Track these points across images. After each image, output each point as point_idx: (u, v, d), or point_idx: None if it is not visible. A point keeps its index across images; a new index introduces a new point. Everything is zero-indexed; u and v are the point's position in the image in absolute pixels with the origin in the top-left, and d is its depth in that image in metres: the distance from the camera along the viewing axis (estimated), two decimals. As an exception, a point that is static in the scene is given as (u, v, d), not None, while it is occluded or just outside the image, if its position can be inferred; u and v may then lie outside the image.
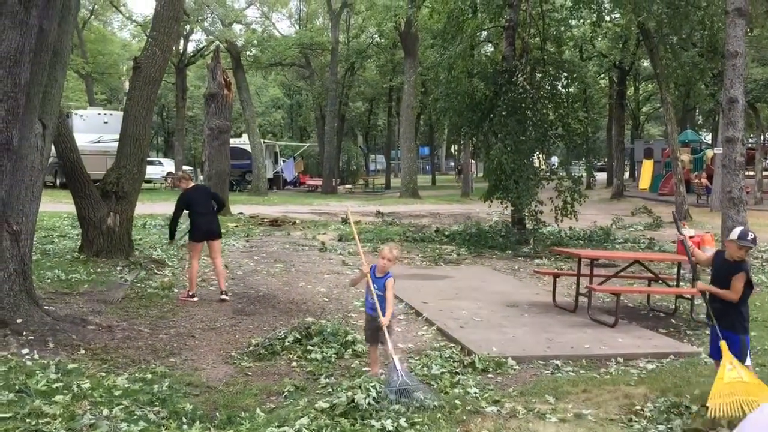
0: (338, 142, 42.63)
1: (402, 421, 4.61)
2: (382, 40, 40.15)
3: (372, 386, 4.94)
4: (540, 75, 16.18)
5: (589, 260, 8.98)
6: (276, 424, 4.57)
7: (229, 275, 10.13)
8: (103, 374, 5.54)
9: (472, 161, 39.33)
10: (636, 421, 4.89)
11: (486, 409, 4.95)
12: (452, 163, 68.51)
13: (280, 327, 7.31)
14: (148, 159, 14.23)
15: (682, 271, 9.67)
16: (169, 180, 36.55)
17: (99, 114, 31.64)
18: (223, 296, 8.80)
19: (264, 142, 38.31)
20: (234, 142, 32.83)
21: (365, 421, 4.61)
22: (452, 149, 71.92)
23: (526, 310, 8.63)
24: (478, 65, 17.44)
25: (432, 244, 14.93)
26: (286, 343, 6.57)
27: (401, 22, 30.78)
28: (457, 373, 5.93)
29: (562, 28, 17.05)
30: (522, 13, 15.84)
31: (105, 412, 4.62)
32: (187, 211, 8.96)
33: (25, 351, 5.98)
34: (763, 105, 30.72)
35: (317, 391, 5.42)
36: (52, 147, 8.56)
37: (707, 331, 7.45)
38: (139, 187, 11.69)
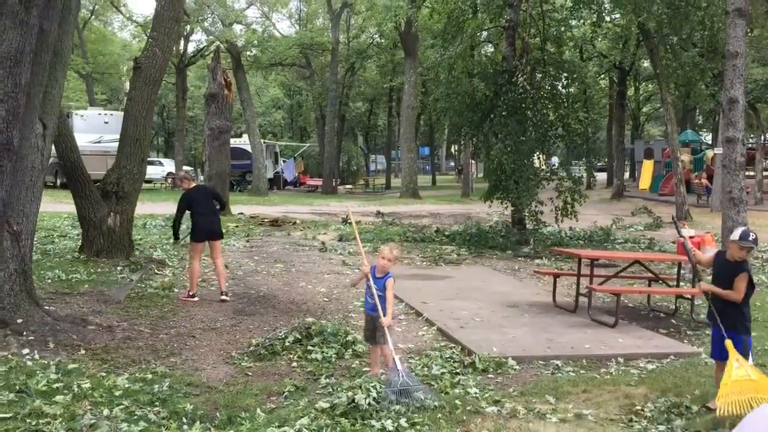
0: (338, 142, 42.65)
1: (402, 422, 4.61)
2: (383, 41, 40.16)
3: (372, 386, 4.94)
4: (540, 75, 16.18)
5: (590, 260, 8.98)
6: (276, 424, 4.57)
7: (229, 275, 10.13)
8: (104, 374, 5.54)
9: (473, 161, 39.34)
10: (636, 422, 4.89)
11: (486, 410, 4.96)
12: (452, 164, 68.51)
13: (280, 327, 7.31)
14: (148, 159, 14.23)
15: (682, 272, 9.67)
16: (170, 180, 36.60)
17: (99, 114, 31.66)
18: (224, 297, 8.81)
19: (264, 143, 38.33)
20: (234, 142, 32.83)
21: (365, 422, 4.61)
22: (452, 149, 71.93)
23: (527, 310, 8.63)
24: (479, 65, 17.44)
25: (432, 244, 14.93)
26: (287, 344, 6.57)
27: (401, 22, 30.78)
28: (457, 374, 5.93)
29: (563, 29, 17.06)
30: (522, 13, 15.84)
31: (105, 412, 4.62)
32: (189, 212, 8.97)
33: (26, 351, 5.98)
34: (763, 105, 30.73)
35: (317, 391, 5.42)
36: (53, 147, 8.56)
37: (707, 332, 7.46)
38: (139, 188, 11.69)
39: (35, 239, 8.83)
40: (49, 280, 9.34)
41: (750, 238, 5.04)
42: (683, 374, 5.98)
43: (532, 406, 5.05)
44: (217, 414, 4.91)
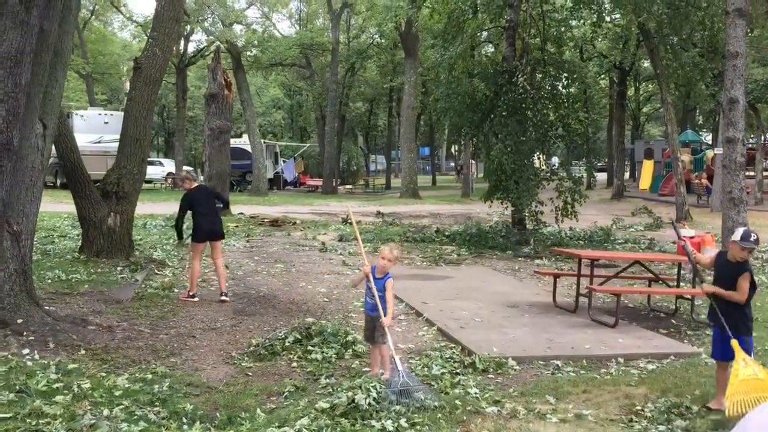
0: (338, 142, 42.65)
1: (402, 422, 4.61)
2: (383, 41, 40.16)
3: (372, 386, 4.94)
4: (540, 75, 16.18)
5: (590, 261, 8.98)
6: (276, 424, 4.57)
7: (229, 275, 10.13)
8: (104, 374, 5.54)
9: (473, 162, 39.34)
10: (636, 422, 4.89)
11: (486, 410, 4.96)
12: (452, 164, 68.50)
13: (280, 327, 7.30)
14: (148, 159, 14.23)
15: (682, 272, 9.67)
16: (170, 180, 36.61)
17: (99, 114, 31.66)
18: (223, 297, 8.80)
19: (264, 143, 38.33)
20: (234, 142, 32.83)
21: (365, 422, 4.61)
22: (452, 150, 71.93)
23: (527, 310, 8.63)
24: (479, 66, 17.44)
25: (432, 244, 14.93)
26: (287, 344, 6.57)
27: (402, 22, 30.78)
28: (457, 374, 5.93)
29: (563, 29, 17.06)
30: (522, 13, 15.84)
31: (105, 412, 4.62)
32: (191, 212, 8.97)
33: (26, 351, 5.98)
34: (763, 105, 30.72)
35: (317, 392, 5.41)
36: (53, 147, 8.56)
37: (708, 332, 7.46)
38: (139, 188, 11.69)
39: (35, 239, 8.83)
40: (49, 281, 9.35)
41: (751, 239, 5.04)
42: (683, 374, 5.98)
43: (532, 407, 5.05)
44: (217, 414, 4.91)
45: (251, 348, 6.61)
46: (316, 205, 27.45)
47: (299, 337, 6.67)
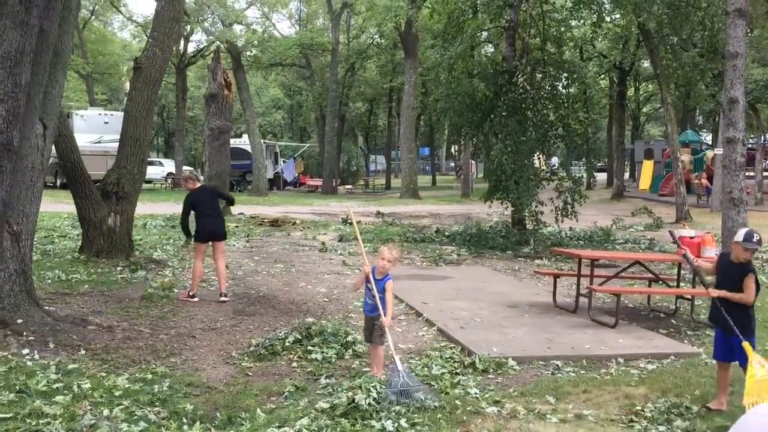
0: (338, 142, 42.67)
1: (402, 422, 4.61)
2: (383, 41, 40.19)
3: (372, 387, 4.94)
4: (540, 75, 16.18)
5: (590, 261, 8.97)
6: (276, 424, 4.57)
7: (229, 275, 10.13)
8: (104, 374, 5.54)
9: (473, 162, 39.34)
10: (636, 422, 4.89)
11: (486, 410, 4.96)
12: (452, 164, 68.52)
13: (280, 327, 7.30)
14: (148, 159, 14.23)
15: (682, 272, 9.67)
16: (170, 180, 36.63)
17: (99, 114, 31.66)
18: (223, 298, 8.80)
19: (264, 143, 38.34)
20: (234, 142, 32.84)
21: (366, 422, 4.61)
22: (452, 150, 71.94)
23: (527, 310, 8.63)
24: (479, 66, 17.44)
25: (432, 244, 14.93)
26: (287, 344, 6.57)
27: (401, 22, 30.79)
28: (457, 374, 5.93)
29: (563, 29, 17.05)
30: (522, 13, 15.84)
31: (105, 412, 4.62)
32: (193, 212, 8.97)
33: (26, 351, 5.98)
34: (763, 106, 30.72)
35: (318, 392, 5.42)
36: (53, 147, 8.56)
37: (708, 332, 7.47)
38: (139, 188, 11.69)
39: (35, 239, 8.84)
40: (49, 281, 9.35)
41: (754, 239, 5.01)
42: (683, 374, 5.97)
43: (533, 407, 5.05)
44: (217, 414, 4.91)
45: (251, 348, 6.61)
46: (316, 205, 27.46)
47: (299, 337, 6.67)
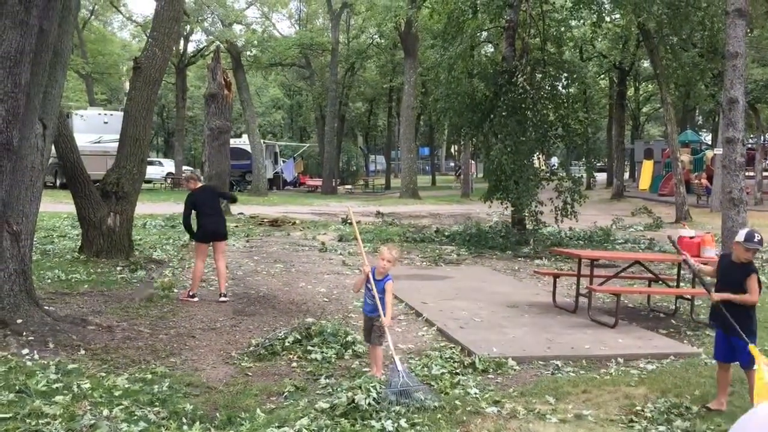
0: (338, 142, 42.67)
1: (402, 422, 4.61)
2: (382, 41, 40.19)
3: (372, 387, 4.94)
4: (540, 75, 16.18)
5: (589, 261, 8.97)
6: (276, 424, 4.57)
7: (229, 275, 10.12)
8: (103, 374, 5.54)
9: (472, 162, 39.34)
10: (636, 422, 4.89)
11: (486, 410, 4.95)
12: (452, 164, 68.54)
13: (280, 327, 7.30)
14: (148, 159, 14.23)
15: (682, 272, 9.67)
16: (169, 180, 36.63)
17: (99, 114, 31.66)
18: (223, 298, 8.80)
19: (264, 143, 38.34)
20: (234, 142, 32.83)
21: (365, 422, 4.61)
22: (452, 150, 71.95)
23: (527, 310, 8.63)
24: (479, 66, 17.44)
25: (432, 244, 14.93)
26: (287, 344, 6.57)
27: (401, 22, 30.79)
28: (457, 374, 5.93)
29: (563, 29, 17.05)
30: (522, 13, 15.84)
31: (105, 412, 4.62)
32: (195, 212, 8.97)
33: (25, 351, 5.98)
34: (763, 106, 30.73)
35: (317, 392, 5.41)
36: (53, 147, 8.56)
37: (707, 332, 7.47)
38: (139, 188, 11.69)
39: (35, 239, 8.83)
40: (49, 281, 9.35)
41: (755, 240, 4.99)
42: (683, 375, 5.97)
43: (532, 407, 5.05)
44: (217, 414, 4.91)
45: (251, 348, 6.61)
46: (316, 205, 27.46)
47: (299, 337, 6.67)
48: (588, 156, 18.75)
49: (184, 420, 4.66)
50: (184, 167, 37.60)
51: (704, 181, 27.14)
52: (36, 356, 5.88)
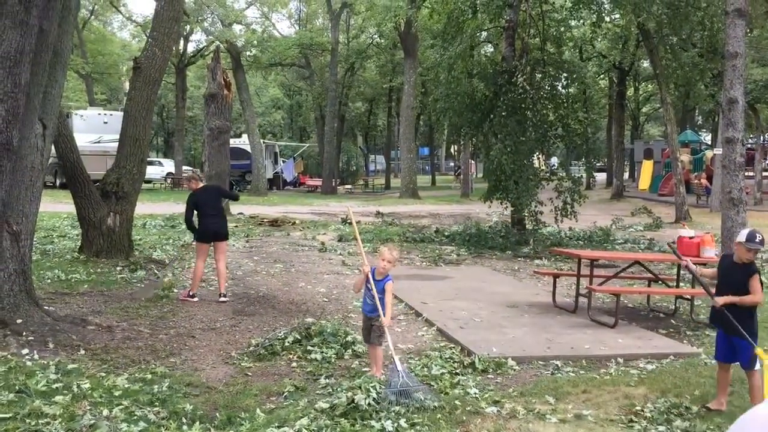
0: (338, 142, 42.66)
1: (402, 422, 4.61)
2: (382, 41, 40.18)
3: (372, 387, 4.94)
4: (540, 75, 16.18)
5: (589, 261, 8.97)
6: (276, 424, 4.57)
7: (229, 275, 10.12)
8: (103, 374, 5.54)
9: (472, 162, 39.33)
10: (636, 422, 4.89)
11: (486, 410, 4.96)
12: (452, 164, 68.54)
13: (280, 327, 7.30)
14: (147, 159, 14.23)
15: (681, 272, 9.67)
16: (169, 180, 36.63)
17: (99, 114, 31.67)
18: (222, 298, 8.80)
19: (264, 143, 38.34)
20: (234, 142, 32.84)
21: (365, 422, 4.61)
22: (452, 150, 71.96)
23: (526, 310, 8.63)
24: (478, 66, 17.45)
25: (432, 244, 14.93)
26: (286, 344, 6.57)
27: (401, 22, 30.79)
28: (457, 374, 5.93)
29: (562, 29, 17.06)
30: (522, 13, 15.84)
31: (105, 412, 4.62)
32: (196, 212, 8.97)
33: (25, 351, 5.98)
34: (762, 106, 30.75)
35: (317, 392, 5.41)
36: (52, 147, 8.56)
37: (707, 332, 7.47)
38: (139, 188, 11.68)
39: (35, 239, 8.83)
40: (49, 281, 9.34)
41: (757, 240, 4.97)
42: (683, 375, 5.98)
43: (532, 407, 5.05)
44: (217, 414, 4.91)
45: (251, 348, 6.61)
46: (316, 205, 27.45)
47: (299, 337, 6.67)
48: (588, 156, 18.77)
49: (184, 420, 4.67)
50: (184, 167, 37.60)
51: (704, 181, 27.15)
52: (36, 356, 5.88)
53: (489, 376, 6.01)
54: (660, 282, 9.26)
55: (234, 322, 7.76)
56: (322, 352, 6.42)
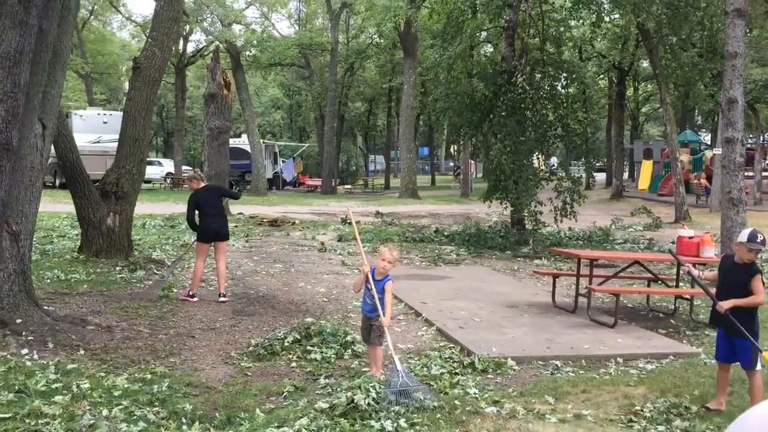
0: (338, 142, 42.65)
1: (402, 422, 4.61)
2: (382, 41, 40.17)
3: (372, 387, 4.94)
4: (539, 75, 16.19)
5: (589, 261, 8.98)
6: (275, 424, 4.57)
7: (228, 275, 10.12)
8: (103, 374, 5.53)
9: (472, 162, 39.34)
10: (635, 422, 4.89)
11: (485, 410, 4.96)
12: (452, 164, 68.55)
13: (279, 327, 7.30)
14: (147, 159, 14.23)
15: (681, 272, 9.66)
16: (168, 180, 36.63)
17: (98, 114, 31.66)
18: (222, 298, 8.80)
19: (263, 143, 38.34)
20: (233, 142, 32.84)
21: (365, 422, 4.61)
22: (451, 150, 71.96)
23: (526, 310, 8.63)
24: (478, 66, 17.45)
25: (431, 244, 14.93)
26: (286, 344, 6.56)
27: (401, 22, 30.79)
28: (456, 374, 5.93)
29: (562, 29, 17.07)
30: (521, 13, 15.84)
31: (104, 412, 4.62)
32: (197, 212, 8.97)
33: (25, 351, 5.98)
34: (762, 106, 30.76)
35: (317, 392, 5.42)
36: (52, 147, 8.56)
37: (707, 332, 7.48)
38: (138, 188, 11.68)
39: (34, 239, 8.82)
40: (48, 280, 9.34)
41: (758, 240, 4.94)
42: (682, 374, 5.98)
43: (532, 407, 5.05)
44: (216, 414, 4.91)
45: (250, 348, 6.61)
46: (315, 205, 27.45)
47: (298, 337, 6.67)
48: (587, 156, 18.76)
49: (184, 420, 4.66)
50: (184, 167, 37.60)
51: (703, 181, 27.15)
52: (35, 356, 5.88)
53: (489, 376, 6.01)
54: (659, 282, 9.26)
55: (234, 322, 7.76)
56: (322, 352, 6.42)
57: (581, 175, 18.18)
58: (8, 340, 6.20)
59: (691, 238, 8.96)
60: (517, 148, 14.54)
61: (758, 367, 4.97)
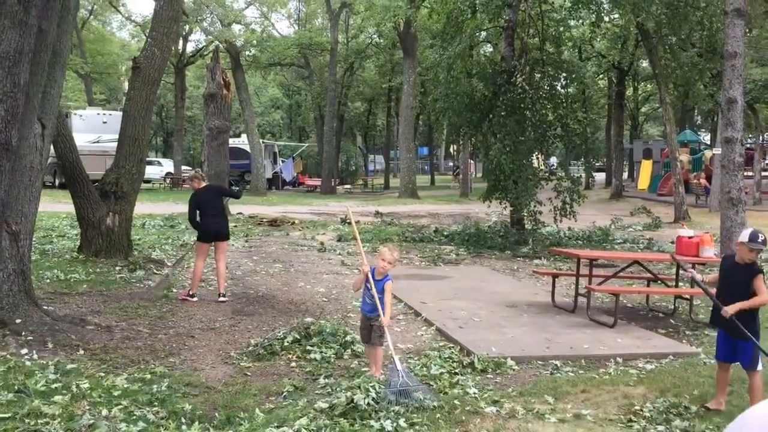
0: (337, 142, 42.65)
1: (401, 422, 4.61)
2: (381, 41, 40.16)
3: (371, 386, 4.94)
4: (539, 75, 16.20)
5: (588, 260, 8.98)
6: (275, 424, 4.57)
7: (228, 275, 10.11)
8: (102, 374, 5.53)
9: (471, 161, 39.34)
10: (635, 422, 4.89)
11: (485, 410, 4.96)
12: (451, 164, 68.53)
13: (279, 327, 7.30)
14: (147, 159, 14.22)
15: (681, 272, 9.67)
16: (168, 180, 36.62)
17: (98, 114, 31.64)
18: (222, 298, 8.80)
19: (263, 142, 38.33)
20: (233, 142, 32.83)
21: (364, 422, 4.61)
22: (451, 149, 71.94)
23: (525, 310, 8.63)
24: (477, 65, 17.44)
25: (431, 244, 14.93)
26: (285, 344, 6.56)
27: (400, 22, 30.78)
28: (456, 374, 5.93)
29: (561, 29, 17.07)
30: (521, 13, 15.85)
31: (104, 412, 4.62)
32: (198, 212, 8.97)
33: (24, 351, 5.98)
34: (762, 105, 30.78)
35: (316, 392, 5.42)
36: (51, 147, 8.56)
37: (706, 332, 7.48)
38: (138, 188, 11.68)
39: (34, 239, 8.82)
40: (48, 280, 9.34)
41: (759, 240, 4.92)
42: (682, 374, 5.98)
43: (531, 407, 5.05)
44: (216, 414, 4.91)
45: (250, 348, 6.61)
46: (315, 205, 27.45)
47: (298, 337, 6.67)
48: (587, 156, 18.77)
49: (183, 420, 4.66)
50: (183, 167, 37.59)
51: (703, 181, 27.16)
52: (35, 356, 5.88)
53: (488, 375, 6.01)
54: (659, 282, 9.26)
55: (233, 322, 7.76)
56: (322, 351, 6.42)
57: (581, 175, 18.20)
58: (8, 340, 6.20)
59: (690, 238, 8.96)
60: (516, 148, 14.55)
61: (759, 367, 4.97)
